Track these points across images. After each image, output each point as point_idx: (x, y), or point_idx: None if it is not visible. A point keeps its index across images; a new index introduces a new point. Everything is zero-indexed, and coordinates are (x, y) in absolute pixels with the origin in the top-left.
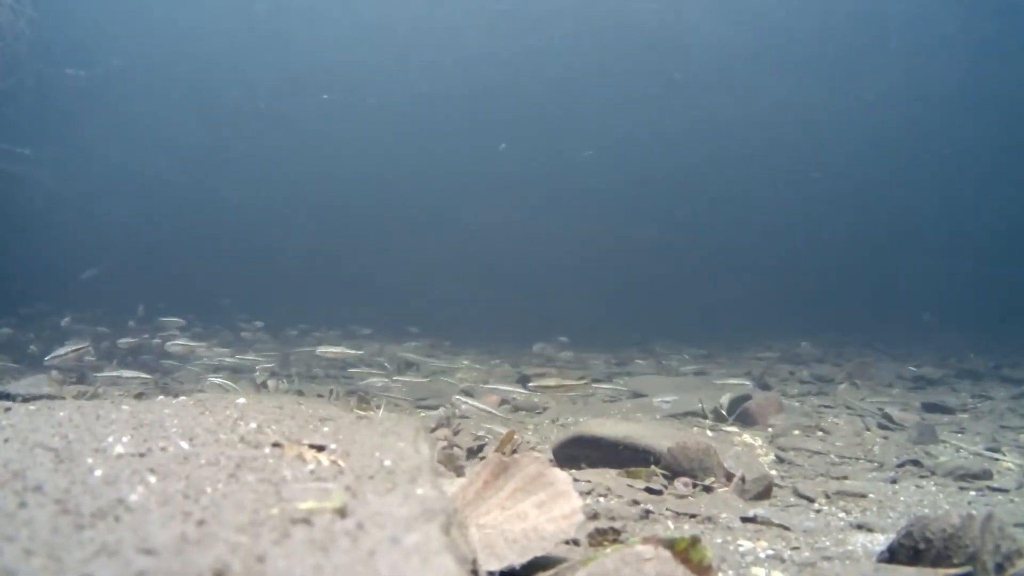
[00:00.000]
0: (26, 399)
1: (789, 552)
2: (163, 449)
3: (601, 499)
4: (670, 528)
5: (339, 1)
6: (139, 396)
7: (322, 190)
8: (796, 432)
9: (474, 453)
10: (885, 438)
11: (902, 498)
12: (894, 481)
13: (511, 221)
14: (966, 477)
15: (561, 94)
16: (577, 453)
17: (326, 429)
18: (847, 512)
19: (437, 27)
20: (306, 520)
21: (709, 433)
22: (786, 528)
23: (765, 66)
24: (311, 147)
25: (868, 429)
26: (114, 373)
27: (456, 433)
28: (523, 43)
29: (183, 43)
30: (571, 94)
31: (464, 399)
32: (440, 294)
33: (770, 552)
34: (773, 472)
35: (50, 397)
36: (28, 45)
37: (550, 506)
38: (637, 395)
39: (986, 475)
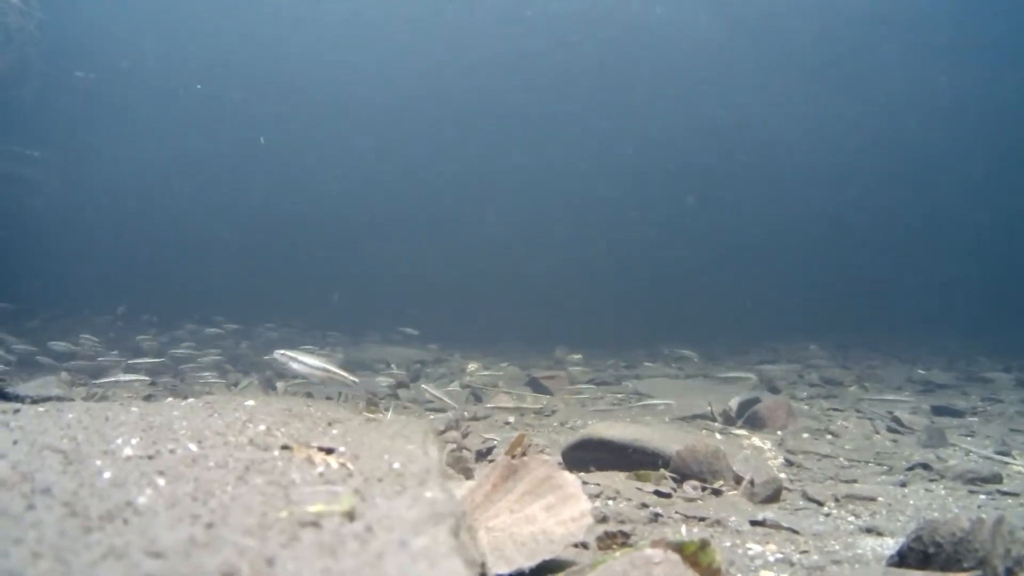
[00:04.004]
0: (35, 401)
1: (798, 556)
2: (172, 451)
3: (610, 502)
4: (679, 531)
5: (343, 6)
6: (148, 398)
7: (329, 194)
8: (805, 435)
9: (483, 456)
10: (894, 441)
11: (911, 501)
12: (903, 484)
13: (519, 225)
14: (976, 480)
15: (566, 98)
16: (586, 456)
17: (335, 432)
18: (856, 516)
19: (439, 31)
20: (315, 523)
21: (718, 436)
22: (795, 532)
23: (770, 70)
24: (315, 151)
25: (877, 432)
26: (112, 379)
27: (465, 436)
28: (528, 47)
29: (189, 46)
30: (576, 99)
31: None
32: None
33: (779, 556)
34: (782, 475)
35: (59, 399)
36: (37, 48)
37: (559, 509)
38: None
39: (996, 478)
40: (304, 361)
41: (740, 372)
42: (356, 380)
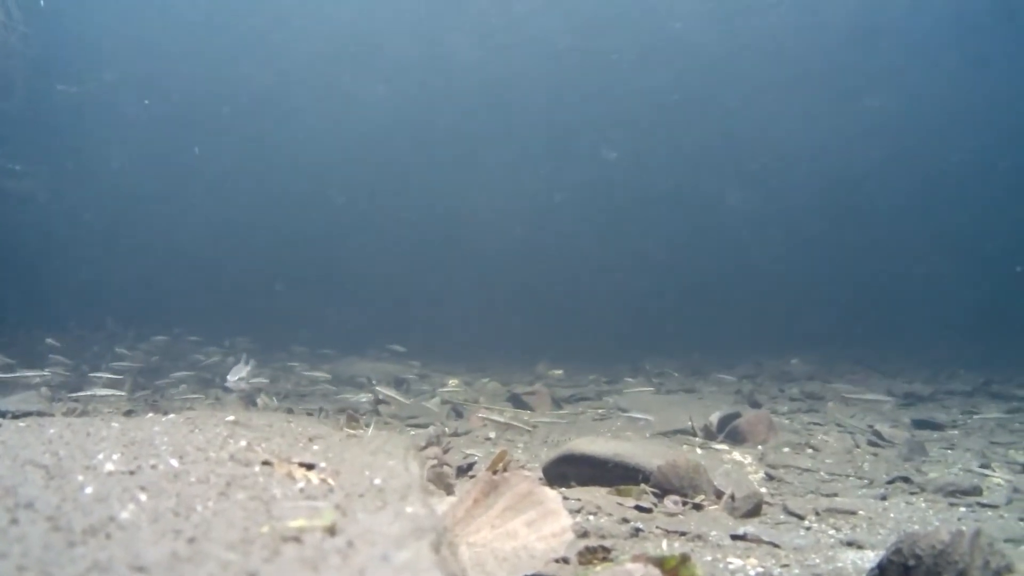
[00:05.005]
0: (16, 416)
1: (779, 570)
2: (153, 467)
3: (591, 517)
4: (660, 546)
5: (332, 18)
6: (128, 413)
7: (315, 203)
8: (786, 449)
9: (464, 471)
10: (875, 455)
11: (892, 515)
12: (884, 498)
13: (504, 241)
14: (956, 493)
15: (554, 113)
16: (567, 471)
17: (316, 447)
18: (837, 529)
19: (430, 42)
20: (296, 538)
21: (699, 451)
22: (776, 545)
23: (760, 83)
24: (303, 161)
25: (858, 446)
26: (88, 393)
27: (446, 451)
28: (519, 61)
29: (174, 59)
30: (564, 113)
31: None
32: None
33: (760, 570)
34: (763, 490)
35: (40, 414)
36: (20, 61)
37: (540, 524)
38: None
39: (976, 491)
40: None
41: (876, 395)
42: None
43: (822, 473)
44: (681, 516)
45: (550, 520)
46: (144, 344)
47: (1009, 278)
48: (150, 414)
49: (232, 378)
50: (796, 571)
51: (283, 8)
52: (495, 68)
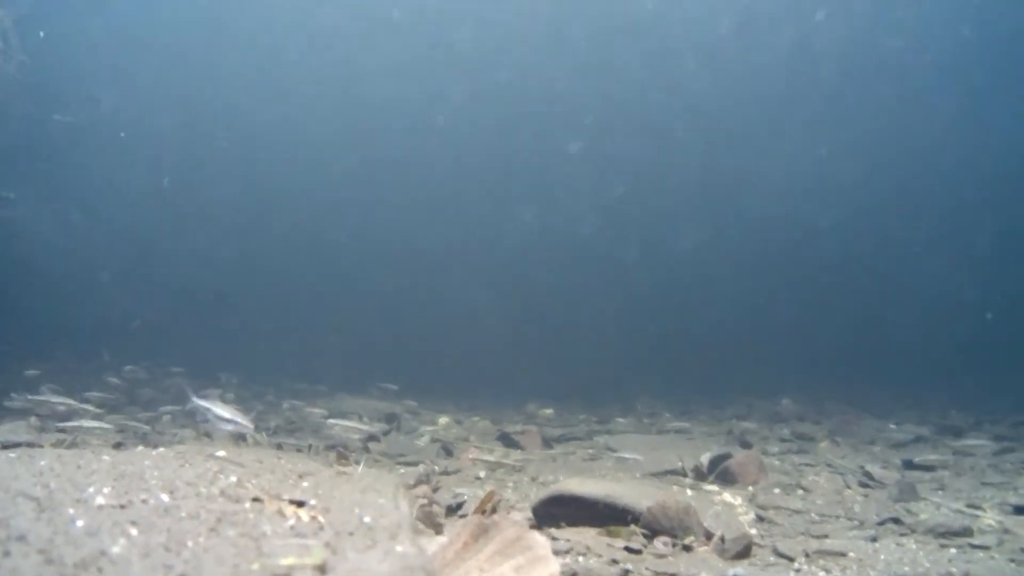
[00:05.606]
0: (5, 446)
1: None
2: (144, 501)
3: (580, 558)
4: None
5: (332, 51)
6: (118, 446)
7: (309, 234)
8: (776, 490)
9: (453, 510)
10: (866, 496)
11: (882, 556)
12: (874, 539)
13: (494, 278)
14: (947, 534)
15: (544, 149)
16: (557, 512)
17: (306, 484)
18: (827, 571)
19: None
20: None
21: (689, 492)
22: None
23: (754, 124)
24: (298, 196)
25: (849, 487)
26: (75, 423)
27: (435, 490)
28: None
29: (171, 89)
30: (555, 147)
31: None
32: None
33: None
34: (753, 531)
35: (29, 444)
36: (17, 89)
37: (528, 570)
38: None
39: (967, 532)
40: (216, 412)
41: (979, 439)
42: (251, 426)
43: (812, 514)
44: (671, 557)
45: (539, 567)
46: (124, 375)
47: (996, 315)
48: (140, 447)
49: (207, 405)
50: None
51: (284, 42)
52: (485, 107)
